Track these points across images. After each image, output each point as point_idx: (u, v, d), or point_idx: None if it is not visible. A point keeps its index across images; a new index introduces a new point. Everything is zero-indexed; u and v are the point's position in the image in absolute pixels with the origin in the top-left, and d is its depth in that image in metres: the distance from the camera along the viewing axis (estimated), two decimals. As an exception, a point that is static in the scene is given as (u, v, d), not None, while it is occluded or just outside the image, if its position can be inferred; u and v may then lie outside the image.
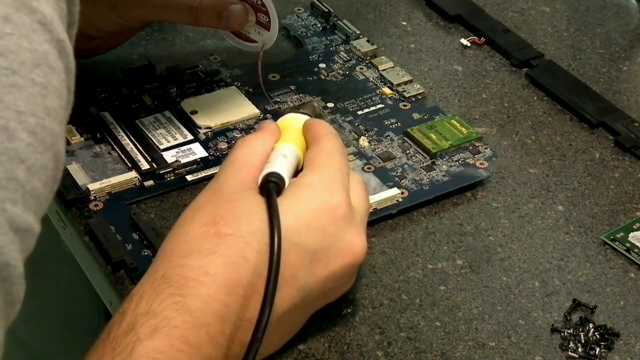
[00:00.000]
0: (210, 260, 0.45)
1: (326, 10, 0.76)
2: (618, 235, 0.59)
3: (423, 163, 0.63)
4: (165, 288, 0.44)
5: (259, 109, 0.66)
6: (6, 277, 0.33)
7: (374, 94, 0.70)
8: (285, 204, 0.48)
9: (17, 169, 0.34)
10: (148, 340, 0.42)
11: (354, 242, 0.49)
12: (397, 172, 0.62)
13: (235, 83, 0.69)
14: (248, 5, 0.64)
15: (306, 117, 0.55)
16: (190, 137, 0.63)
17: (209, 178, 0.61)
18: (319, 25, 0.76)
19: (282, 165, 0.50)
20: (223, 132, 0.65)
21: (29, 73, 0.35)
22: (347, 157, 0.54)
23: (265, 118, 0.66)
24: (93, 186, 0.59)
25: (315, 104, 0.67)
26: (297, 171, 0.52)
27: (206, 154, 0.62)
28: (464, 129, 0.66)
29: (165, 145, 0.62)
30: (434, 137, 0.65)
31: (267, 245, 0.46)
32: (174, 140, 0.63)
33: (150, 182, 0.60)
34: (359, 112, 0.68)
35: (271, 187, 0.48)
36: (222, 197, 0.48)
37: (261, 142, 0.52)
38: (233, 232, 0.46)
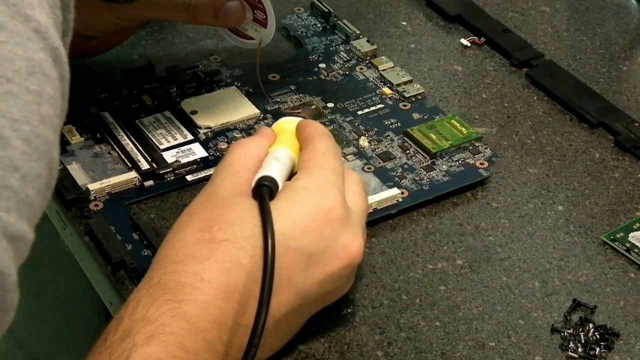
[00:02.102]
0: (205, 266, 0.45)
1: (326, 10, 0.76)
2: (618, 235, 0.59)
3: (423, 163, 0.63)
4: (161, 294, 0.44)
5: (259, 109, 0.66)
6: (0, 285, 0.33)
7: (374, 94, 0.70)
8: (279, 208, 0.48)
9: (11, 177, 0.34)
10: (144, 347, 0.42)
11: (351, 244, 0.49)
12: (397, 172, 0.63)
13: (235, 83, 0.69)
14: (245, 3, 0.64)
15: (300, 119, 0.55)
16: (190, 137, 0.63)
17: (209, 178, 0.61)
18: (319, 25, 0.76)
19: (275, 169, 0.50)
20: (223, 132, 0.65)
21: (23, 81, 0.35)
22: (341, 157, 0.53)
23: (265, 118, 0.66)
24: (93, 186, 0.59)
25: (313, 108, 0.67)
26: (293, 174, 0.52)
27: (206, 154, 0.62)
28: (464, 129, 0.66)
29: (165, 145, 0.62)
30: (434, 137, 0.65)
31: (262, 249, 0.46)
32: (174, 140, 0.63)
33: (150, 182, 0.60)
34: (359, 112, 0.68)
35: (264, 191, 0.48)
36: (217, 202, 0.48)
37: (255, 146, 0.52)
38: (228, 237, 0.46)
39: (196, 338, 0.44)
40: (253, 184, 0.49)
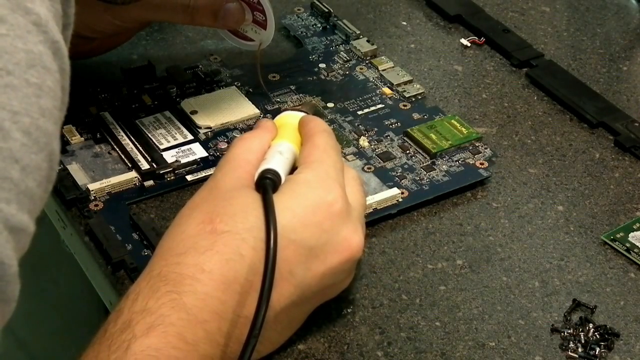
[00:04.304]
0: (206, 257, 0.46)
1: (326, 10, 0.76)
2: (618, 235, 0.59)
3: (423, 163, 0.63)
4: (161, 286, 0.45)
5: (259, 109, 0.66)
6: (1, 275, 0.34)
7: (374, 94, 0.70)
8: (281, 201, 0.48)
9: (12, 168, 0.34)
10: (143, 338, 0.43)
11: (351, 238, 0.49)
12: (397, 172, 0.63)
13: (235, 83, 0.69)
14: (244, 4, 0.64)
15: (303, 115, 0.55)
16: (190, 137, 0.63)
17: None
18: (319, 25, 0.76)
19: (278, 162, 0.50)
20: (223, 132, 0.65)
21: (23, 73, 0.35)
22: (341, 153, 0.54)
23: (265, 118, 0.66)
24: (93, 186, 0.59)
25: (314, 103, 0.67)
26: (294, 168, 0.52)
27: (206, 154, 0.62)
28: (464, 129, 0.66)
29: (165, 145, 0.63)
30: (434, 137, 0.65)
31: (263, 241, 0.46)
32: (174, 140, 0.63)
33: (150, 182, 0.60)
34: (359, 112, 0.68)
35: (267, 184, 0.49)
36: (219, 195, 0.48)
37: (258, 140, 0.52)
38: (229, 229, 0.46)
39: (196, 329, 0.44)
40: (256, 176, 0.49)
